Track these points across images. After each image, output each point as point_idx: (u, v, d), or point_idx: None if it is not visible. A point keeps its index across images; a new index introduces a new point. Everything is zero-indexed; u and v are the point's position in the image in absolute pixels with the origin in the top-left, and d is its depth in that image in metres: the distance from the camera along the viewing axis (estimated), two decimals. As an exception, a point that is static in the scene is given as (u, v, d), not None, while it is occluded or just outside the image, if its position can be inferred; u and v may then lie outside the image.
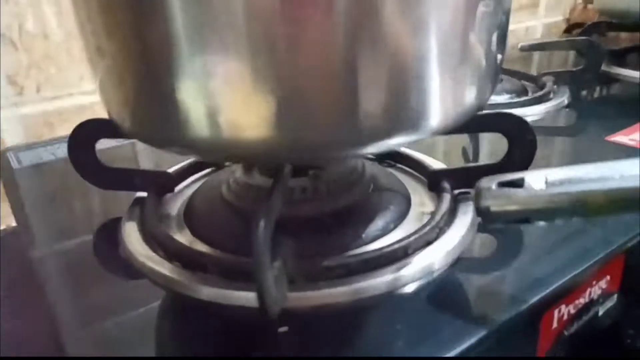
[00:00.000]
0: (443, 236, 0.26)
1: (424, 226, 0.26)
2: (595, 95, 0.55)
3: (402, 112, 0.21)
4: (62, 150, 0.42)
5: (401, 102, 0.21)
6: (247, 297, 0.22)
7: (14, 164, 0.42)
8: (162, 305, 0.25)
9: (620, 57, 0.60)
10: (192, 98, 0.20)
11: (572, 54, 0.68)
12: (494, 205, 0.22)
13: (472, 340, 0.21)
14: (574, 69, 0.53)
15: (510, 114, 0.29)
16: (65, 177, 0.39)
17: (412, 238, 0.25)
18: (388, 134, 0.21)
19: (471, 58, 0.22)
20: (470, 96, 0.23)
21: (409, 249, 0.25)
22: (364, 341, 0.21)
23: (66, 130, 0.32)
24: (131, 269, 0.26)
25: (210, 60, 0.19)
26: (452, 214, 0.28)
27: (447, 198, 0.28)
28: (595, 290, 0.27)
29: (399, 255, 0.24)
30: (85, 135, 0.30)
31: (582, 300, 0.26)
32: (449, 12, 0.20)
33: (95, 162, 0.30)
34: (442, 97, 0.22)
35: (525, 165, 0.28)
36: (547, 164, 0.37)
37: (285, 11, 0.18)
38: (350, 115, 0.20)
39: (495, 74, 0.25)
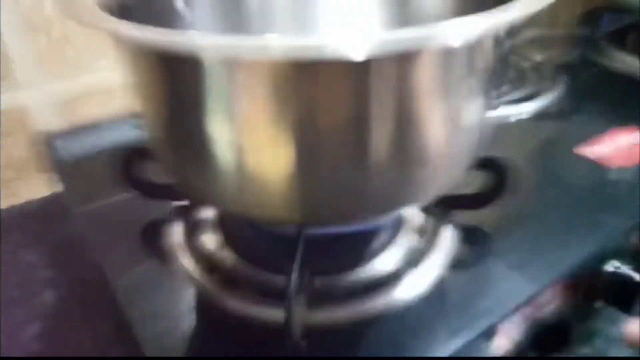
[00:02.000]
0: (427, 260, 0.31)
1: (414, 250, 0.31)
2: (589, 89, 0.55)
3: (413, 188, 0.25)
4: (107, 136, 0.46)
5: (411, 180, 0.25)
6: (270, 313, 0.27)
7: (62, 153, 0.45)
8: (191, 311, 0.29)
9: (619, 39, 0.61)
10: (228, 180, 0.24)
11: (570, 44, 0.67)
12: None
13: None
14: (571, 59, 0.55)
15: (494, 158, 0.33)
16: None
17: (403, 262, 0.31)
18: (396, 206, 0.26)
19: (469, 137, 0.26)
20: (467, 162, 0.28)
21: (399, 275, 0.30)
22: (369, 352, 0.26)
23: (95, 108, 0.35)
24: (168, 272, 0.31)
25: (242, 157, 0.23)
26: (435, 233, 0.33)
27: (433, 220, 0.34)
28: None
29: (391, 278, 0.30)
30: (135, 156, 0.34)
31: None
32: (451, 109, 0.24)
33: (146, 178, 0.35)
34: (445, 172, 0.26)
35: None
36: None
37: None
38: (364, 198, 0.24)
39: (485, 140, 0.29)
